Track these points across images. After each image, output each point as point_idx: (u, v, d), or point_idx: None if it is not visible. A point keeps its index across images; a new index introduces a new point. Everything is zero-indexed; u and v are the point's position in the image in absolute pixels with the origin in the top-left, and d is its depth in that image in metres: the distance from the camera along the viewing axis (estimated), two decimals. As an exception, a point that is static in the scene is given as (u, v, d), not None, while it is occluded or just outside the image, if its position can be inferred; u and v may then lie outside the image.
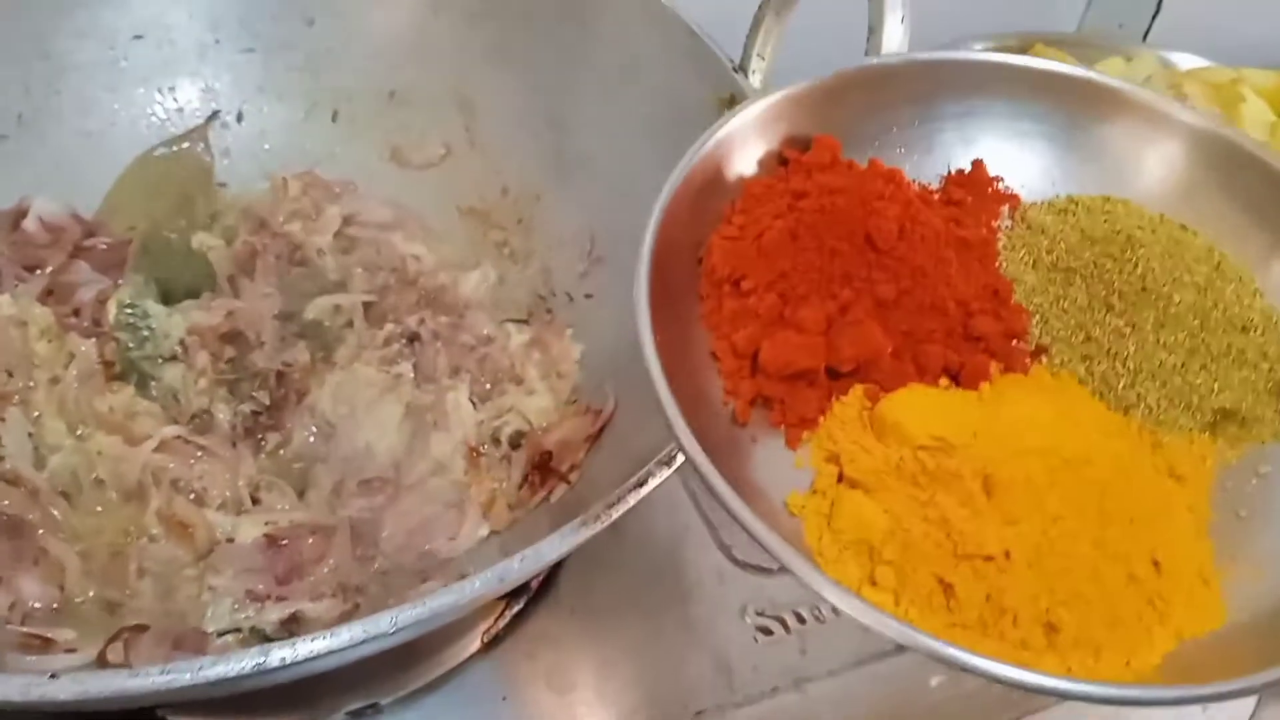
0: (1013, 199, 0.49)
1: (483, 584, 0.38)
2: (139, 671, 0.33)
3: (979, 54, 0.51)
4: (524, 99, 0.73)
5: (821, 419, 0.42)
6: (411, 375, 0.62)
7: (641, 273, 0.42)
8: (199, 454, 0.56)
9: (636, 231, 0.64)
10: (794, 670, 0.61)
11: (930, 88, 0.50)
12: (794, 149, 0.48)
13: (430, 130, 0.75)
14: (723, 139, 0.46)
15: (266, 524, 0.54)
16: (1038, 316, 0.46)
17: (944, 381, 0.43)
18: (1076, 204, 0.49)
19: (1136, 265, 0.46)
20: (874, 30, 0.54)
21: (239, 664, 0.35)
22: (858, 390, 0.43)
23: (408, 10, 0.74)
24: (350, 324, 0.65)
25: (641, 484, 0.42)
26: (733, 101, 0.60)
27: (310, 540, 0.53)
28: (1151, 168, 0.50)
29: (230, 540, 0.54)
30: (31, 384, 0.57)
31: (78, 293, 0.63)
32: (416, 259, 0.69)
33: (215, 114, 0.74)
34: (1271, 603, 0.41)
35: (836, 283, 0.44)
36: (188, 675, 0.33)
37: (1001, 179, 0.50)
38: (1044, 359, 0.45)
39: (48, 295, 0.62)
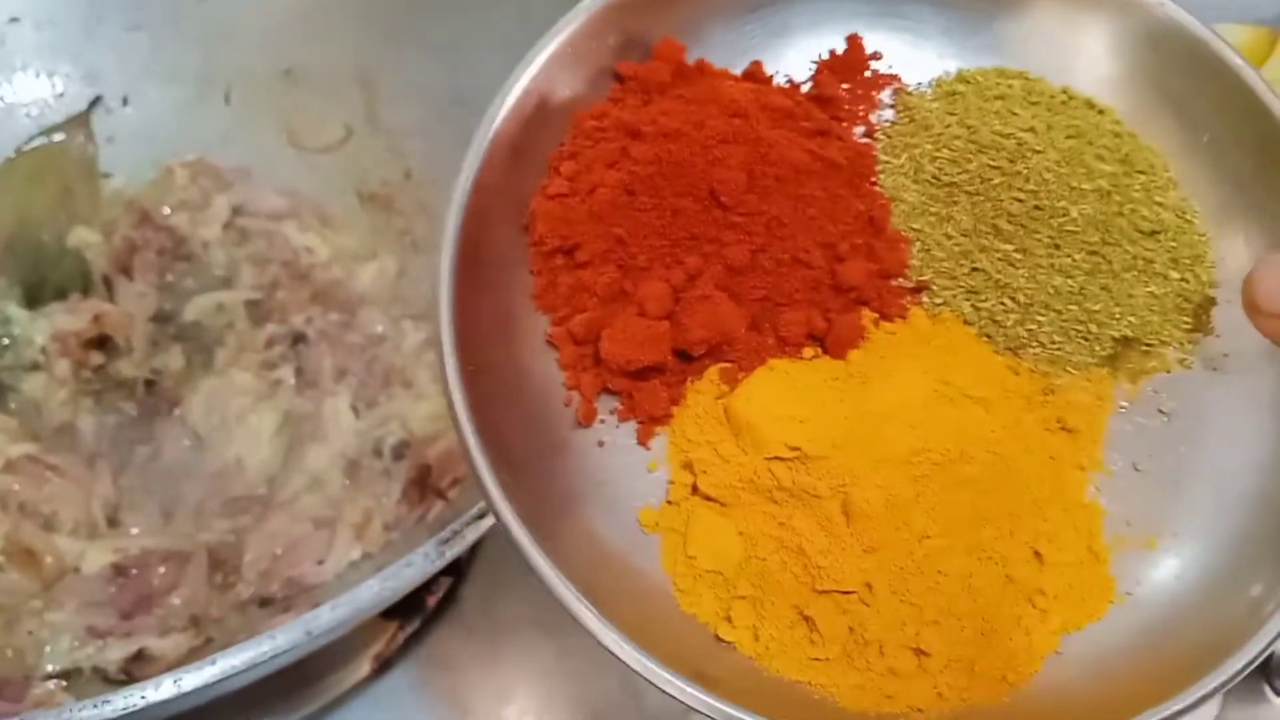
0: (894, 80, 0.43)
1: (285, 638, 0.33)
2: None
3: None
4: (427, 75, 0.67)
5: (674, 410, 0.38)
6: (293, 380, 0.58)
7: (447, 247, 0.36)
8: (49, 474, 0.52)
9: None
10: (709, 691, 0.57)
11: None
12: (630, 63, 0.41)
13: (329, 110, 0.70)
14: (547, 62, 0.39)
15: (115, 551, 0.50)
16: (918, 245, 0.40)
17: (809, 351, 0.39)
18: (967, 84, 0.42)
19: (1028, 179, 0.39)
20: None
21: None
22: (712, 373, 0.38)
23: (304, -19, 0.69)
24: (231, 325, 0.60)
25: (481, 516, 0.37)
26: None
27: (162, 569, 0.49)
28: (1058, 40, 0.43)
29: (76, 570, 0.49)
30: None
31: (-67, 300, 0.58)
32: (310, 251, 0.64)
33: (98, 99, 0.69)
34: (1167, 584, 0.37)
35: (681, 248, 0.38)
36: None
37: (880, 56, 0.43)
38: (924, 297, 0.40)
39: (-98, 302, 0.58)
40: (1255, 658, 0.34)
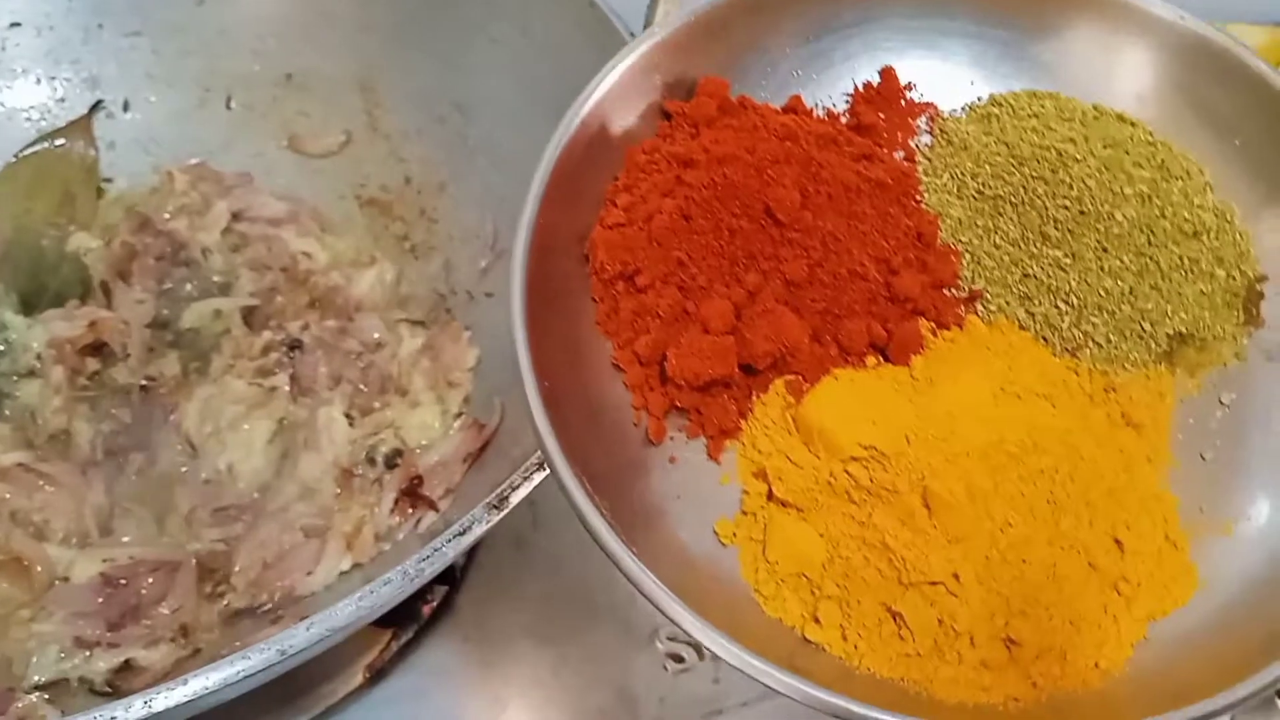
0: (930, 108, 0.45)
1: (258, 659, 0.33)
2: None
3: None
4: (427, 80, 0.67)
5: (743, 423, 0.39)
6: (288, 388, 0.57)
7: (516, 280, 0.38)
8: (41, 483, 0.52)
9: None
10: (706, 702, 0.56)
11: None
12: (676, 99, 0.43)
13: (330, 116, 0.70)
14: (599, 102, 0.42)
15: (104, 561, 0.49)
16: (968, 256, 0.42)
17: (872, 360, 0.40)
18: (1000, 106, 0.44)
19: (1071, 186, 0.41)
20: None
21: None
22: (778, 385, 0.39)
23: (305, -14, 0.69)
24: (227, 332, 0.60)
25: (463, 533, 0.37)
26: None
27: (150, 579, 0.49)
28: (1087, 61, 0.45)
29: (65, 580, 0.49)
30: None
31: (-70, 306, 0.58)
32: (308, 256, 0.64)
33: (99, 104, 0.69)
34: (1245, 567, 0.38)
35: (740, 266, 0.40)
36: None
37: (914, 86, 0.45)
38: (979, 305, 0.41)
39: (-103, 306, 0.58)
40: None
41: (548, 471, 0.38)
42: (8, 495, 0.51)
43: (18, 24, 0.68)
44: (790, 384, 0.39)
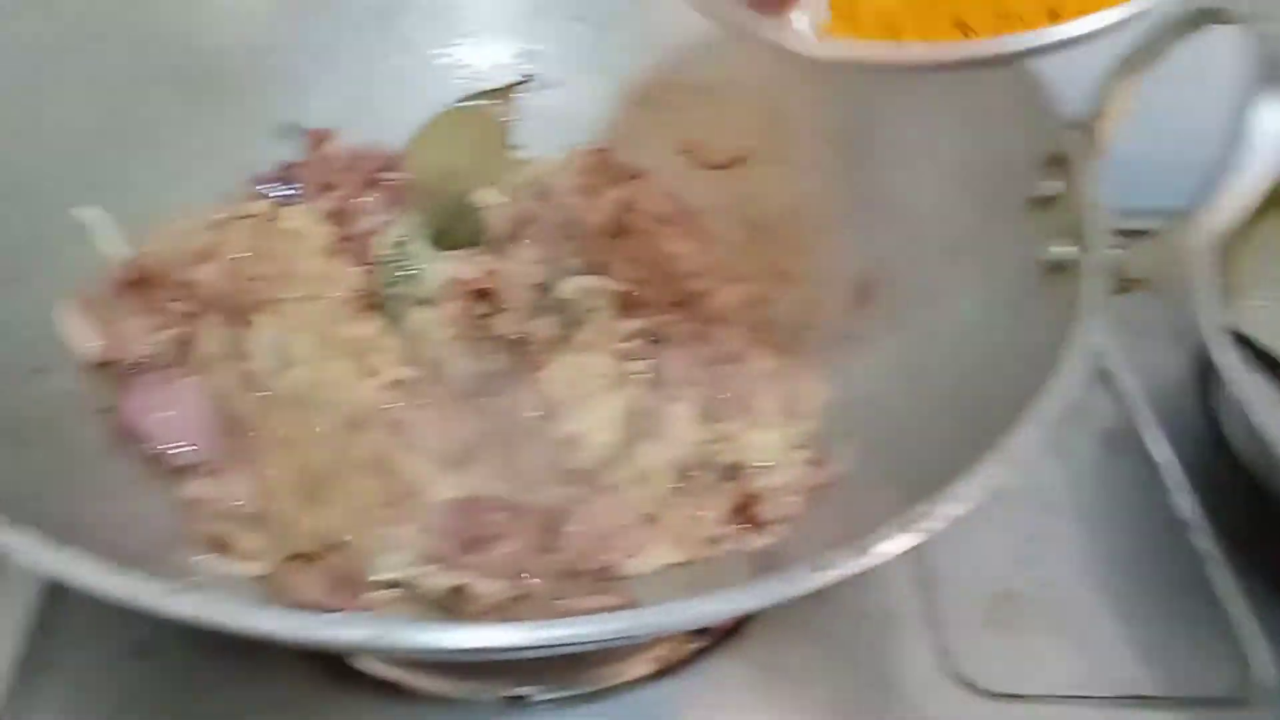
0: None
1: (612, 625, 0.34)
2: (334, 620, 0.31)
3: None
4: (838, 115, 0.68)
5: None
6: (644, 376, 0.59)
7: None
8: (423, 403, 0.56)
9: (923, 283, 0.59)
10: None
11: None
12: None
13: (734, 132, 0.72)
14: None
15: (461, 488, 0.53)
16: None
17: None
18: None
19: None
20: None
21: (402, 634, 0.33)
22: None
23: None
24: (597, 309, 0.63)
25: (861, 553, 0.36)
26: (1060, 161, 0.53)
27: (498, 516, 0.51)
28: None
29: (428, 494, 0.53)
30: (293, 296, 0.59)
31: (358, 221, 0.65)
32: (681, 258, 0.66)
33: (529, 77, 0.74)
34: None
35: None
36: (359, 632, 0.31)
37: None
38: None
39: (332, 216, 0.65)
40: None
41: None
42: (394, 406, 0.56)
43: (481, -11, 0.74)
44: None
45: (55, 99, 0.58)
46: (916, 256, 0.61)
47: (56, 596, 0.57)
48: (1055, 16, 0.40)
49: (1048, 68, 0.55)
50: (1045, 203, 0.53)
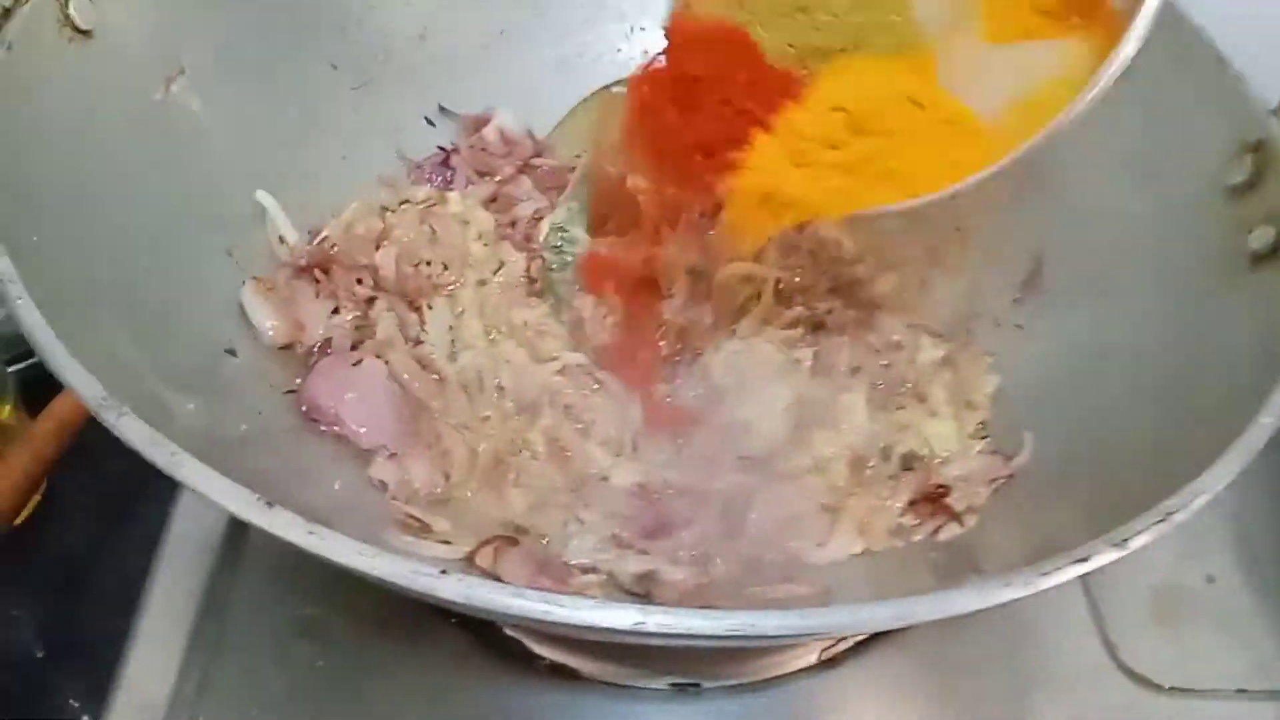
0: None
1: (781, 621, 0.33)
2: (549, 598, 0.31)
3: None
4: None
5: None
6: (809, 363, 0.59)
7: None
8: (595, 387, 0.56)
9: (1093, 274, 0.58)
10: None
11: None
12: None
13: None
14: None
15: (642, 474, 0.53)
16: None
17: None
18: None
19: None
20: None
21: (617, 616, 0.32)
22: None
23: None
24: (758, 297, 0.62)
25: (1118, 546, 0.36)
26: (1259, 149, 0.51)
27: (680, 502, 0.51)
28: None
29: (605, 479, 0.53)
30: (462, 281, 0.60)
31: (518, 206, 0.65)
32: (839, 244, 0.65)
33: (672, 63, 0.74)
34: None
35: None
36: (583, 613, 0.31)
37: None
38: None
39: (491, 202, 0.65)
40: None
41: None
42: (567, 390, 0.56)
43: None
44: None
45: (229, 87, 0.59)
46: (1086, 246, 0.60)
47: (221, 580, 0.58)
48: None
49: (1240, 56, 0.54)
50: (1243, 190, 0.51)
